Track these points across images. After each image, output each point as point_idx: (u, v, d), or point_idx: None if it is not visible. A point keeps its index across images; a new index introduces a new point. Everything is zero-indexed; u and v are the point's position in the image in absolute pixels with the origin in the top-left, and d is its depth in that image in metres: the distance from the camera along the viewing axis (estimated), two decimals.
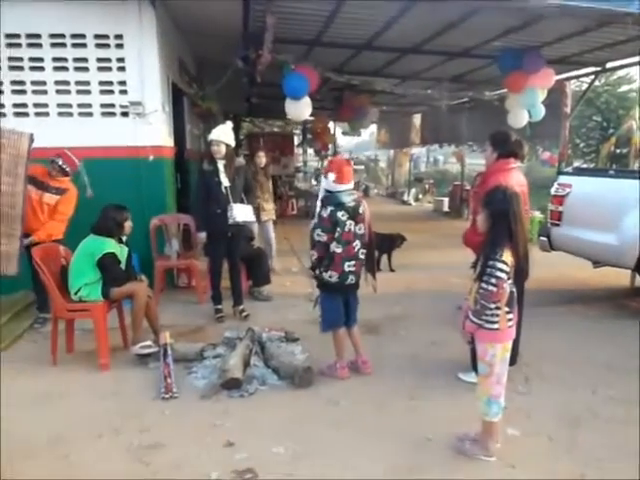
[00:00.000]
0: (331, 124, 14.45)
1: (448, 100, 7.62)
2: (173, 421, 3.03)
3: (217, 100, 9.01)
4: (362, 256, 3.52)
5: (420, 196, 16.44)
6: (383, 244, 6.34)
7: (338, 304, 3.57)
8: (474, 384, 3.35)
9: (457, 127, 11.77)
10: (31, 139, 4.16)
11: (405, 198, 16.05)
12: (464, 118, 11.33)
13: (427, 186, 16.82)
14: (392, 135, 17.58)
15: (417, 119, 15.24)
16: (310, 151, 17.71)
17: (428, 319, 4.88)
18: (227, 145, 4.46)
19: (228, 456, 2.67)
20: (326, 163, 4.22)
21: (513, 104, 6.82)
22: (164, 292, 5.36)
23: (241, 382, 3.33)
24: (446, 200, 13.48)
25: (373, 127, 18.18)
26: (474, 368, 3.39)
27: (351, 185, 3.47)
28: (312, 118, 12.43)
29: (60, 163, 4.42)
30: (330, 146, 16.53)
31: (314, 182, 15.14)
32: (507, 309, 2.50)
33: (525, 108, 6.77)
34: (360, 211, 3.45)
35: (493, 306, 2.45)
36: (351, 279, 3.50)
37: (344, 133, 19.75)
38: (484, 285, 2.41)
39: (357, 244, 3.46)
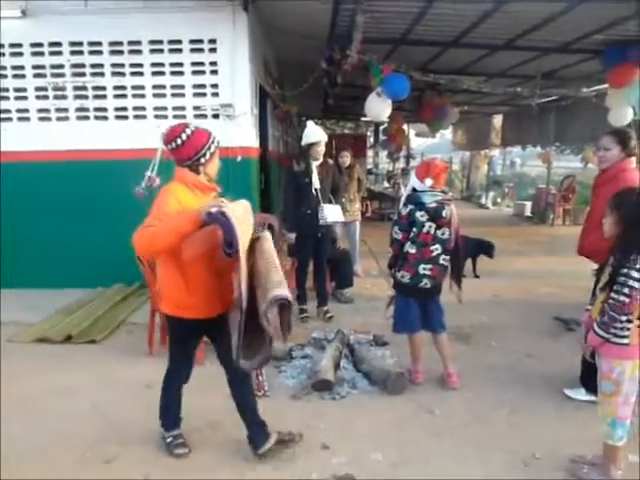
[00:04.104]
0: (404, 125, 14.16)
1: (539, 98, 7.19)
2: (268, 419, 3.00)
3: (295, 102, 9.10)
4: (443, 262, 3.34)
5: (498, 200, 15.76)
6: (467, 248, 6.07)
7: (411, 307, 3.39)
8: (583, 402, 3.14)
9: (544, 127, 11.12)
10: None
11: (482, 202, 15.46)
12: (552, 118, 10.69)
13: (507, 189, 16.11)
14: (470, 136, 16.99)
15: (498, 120, 14.63)
16: (382, 153, 17.49)
17: (521, 330, 4.61)
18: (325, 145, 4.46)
19: (325, 459, 2.63)
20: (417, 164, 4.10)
21: (616, 101, 6.29)
22: None
23: (332, 384, 3.29)
24: (528, 204, 12.84)
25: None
26: (584, 385, 3.15)
27: (438, 187, 3.31)
28: (386, 119, 12.24)
29: None
30: (404, 148, 16.25)
31: (387, 184, 14.91)
32: None
33: (630, 105, 6.23)
34: (443, 214, 3.27)
35: (624, 318, 2.22)
36: (425, 283, 3.31)
37: (417, 135, 19.39)
38: (614, 295, 2.19)
39: (437, 248, 3.30)
